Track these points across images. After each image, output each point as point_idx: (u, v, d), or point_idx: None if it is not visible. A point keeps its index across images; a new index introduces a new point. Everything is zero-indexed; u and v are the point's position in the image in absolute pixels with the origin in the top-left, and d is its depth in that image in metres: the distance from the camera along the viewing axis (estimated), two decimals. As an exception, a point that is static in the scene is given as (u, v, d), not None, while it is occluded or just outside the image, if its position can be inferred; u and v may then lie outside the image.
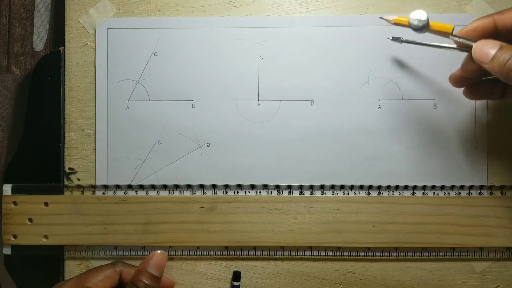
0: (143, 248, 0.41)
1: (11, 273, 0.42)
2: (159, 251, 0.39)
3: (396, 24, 0.37)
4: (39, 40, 0.44)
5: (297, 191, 0.41)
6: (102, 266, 0.38)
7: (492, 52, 0.33)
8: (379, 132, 0.41)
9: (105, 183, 0.41)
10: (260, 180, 0.41)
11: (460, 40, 0.35)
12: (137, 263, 0.40)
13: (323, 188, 0.41)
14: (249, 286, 0.41)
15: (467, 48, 0.35)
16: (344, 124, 0.41)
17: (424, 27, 0.36)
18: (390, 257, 0.40)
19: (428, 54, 0.41)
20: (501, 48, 0.33)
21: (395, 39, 0.39)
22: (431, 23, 0.35)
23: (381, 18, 0.38)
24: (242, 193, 0.41)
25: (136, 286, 0.36)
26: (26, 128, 0.42)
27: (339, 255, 0.40)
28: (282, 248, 0.41)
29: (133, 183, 0.41)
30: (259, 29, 0.41)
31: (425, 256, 0.40)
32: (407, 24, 0.36)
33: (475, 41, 0.34)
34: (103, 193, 0.41)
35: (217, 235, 0.40)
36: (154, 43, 0.41)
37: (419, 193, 0.40)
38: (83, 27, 0.42)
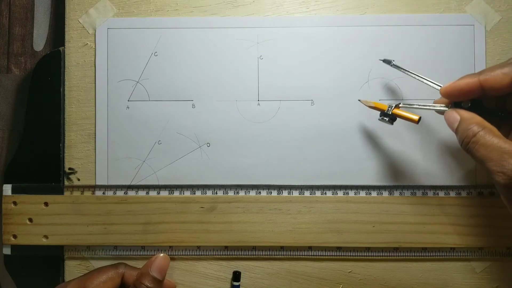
0: (143, 248, 0.41)
1: (11, 273, 0.42)
2: (161, 255, 0.39)
3: (374, 108, 0.39)
4: (39, 40, 0.44)
5: (297, 191, 0.41)
6: (104, 268, 0.38)
7: (455, 125, 0.34)
8: (379, 132, 0.41)
9: (105, 183, 0.41)
10: (260, 180, 0.41)
11: (433, 108, 0.37)
12: (137, 263, 0.40)
13: (323, 188, 0.41)
14: (249, 286, 0.41)
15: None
16: (344, 124, 0.41)
17: (392, 119, 0.38)
18: (390, 257, 0.40)
19: (428, 54, 0.41)
20: (460, 122, 0.33)
21: (386, 61, 0.40)
22: (398, 113, 0.37)
23: (359, 100, 0.40)
24: (242, 193, 0.41)
25: None
26: (26, 128, 0.42)
27: (339, 255, 0.40)
28: (282, 248, 0.41)
29: (133, 183, 0.41)
30: (259, 29, 0.41)
31: (425, 256, 0.40)
32: (383, 111, 0.38)
33: (446, 107, 0.36)
34: (103, 193, 0.41)
35: (217, 235, 0.40)
36: (154, 43, 0.41)
37: (419, 193, 0.40)
38: (83, 27, 0.42)
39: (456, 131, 0.34)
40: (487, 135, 0.31)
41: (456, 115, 0.34)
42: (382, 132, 0.41)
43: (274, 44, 0.41)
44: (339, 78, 0.41)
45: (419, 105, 0.38)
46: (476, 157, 0.32)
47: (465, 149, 0.33)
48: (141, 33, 0.41)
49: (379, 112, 0.38)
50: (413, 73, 0.38)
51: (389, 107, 0.38)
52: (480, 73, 0.34)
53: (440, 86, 0.36)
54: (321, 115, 0.41)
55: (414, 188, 0.40)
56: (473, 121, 0.33)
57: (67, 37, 0.41)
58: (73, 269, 0.41)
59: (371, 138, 0.41)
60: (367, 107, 0.39)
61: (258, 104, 0.41)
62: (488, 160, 0.31)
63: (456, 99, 0.35)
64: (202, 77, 0.41)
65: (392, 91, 0.41)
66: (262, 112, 0.41)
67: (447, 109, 0.36)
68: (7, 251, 0.41)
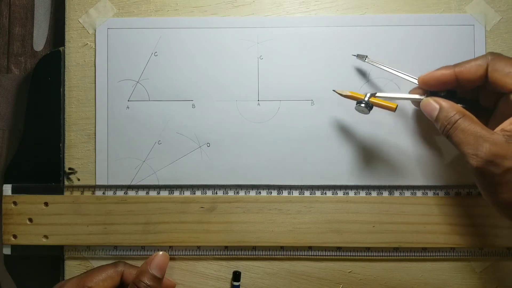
0: (143, 248, 0.41)
1: (11, 273, 0.42)
2: (161, 252, 0.39)
3: (348, 98, 0.39)
4: (39, 40, 0.44)
5: (297, 191, 0.41)
6: (103, 266, 0.38)
7: (435, 113, 0.35)
8: (379, 132, 0.41)
9: (105, 183, 0.41)
10: (260, 180, 0.41)
11: (409, 98, 0.38)
12: (137, 263, 0.40)
13: (323, 188, 0.41)
14: (249, 286, 0.41)
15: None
16: (344, 124, 0.41)
17: (369, 106, 0.38)
18: (390, 257, 0.40)
19: (428, 54, 0.41)
20: (440, 109, 0.35)
21: (359, 56, 0.40)
22: (375, 102, 0.37)
23: (334, 91, 0.40)
24: (242, 193, 0.41)
25: (138, 286, 0.36)
26: (26, 128, 0.42)
27: (339, 255, 0.40)
28: (282, 248, 0.41)
29: (133, 183, 0.41)
30: (259, 29, 0.41)
31: (425, 256, 0.40)
32: (359, 99, 0.38)
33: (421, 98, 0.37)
34: (103, 193, 0.41)
35: (217, 235, 0.40)
36: (154, 43, 0.41)
37: (419, 193, 0.40)
38: (83, 27, 0.42)
39: (436, 118, 0.35)
40: (466, 121, 0.34)
41: (435, 104, 0.36)
42: (382, 132, 0.41)
43: (274, 44, 0.41)
44: (339, 78, 0.41)
45: (396, 96, 0.39)
46: (454, 142, 0.34)
47: (445, 135, 0.35)
48: (141, 33, 0.41)
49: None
50: (387, 67, 0.39)
51: (365, 96, 0.38)
52: (456, 65, 0.36)
53: (415, 78, 0.38)
54: (321, 115, 0.41)
55: (414, 188, 0.40)
56: (454, 108, 0.35)
57: (67, 37, 0.41)
58: (73, 269, 0.41)
59: (371, 138, 0.41)
60: (343, 97, 0.39)
61: (258, 104, 0.41)
62: (465, 143, 0.33)
63: (432, 88, 0.37)
64: (202, 77, 0.41)
65: (392, 91, 0.41)
66: (262, 112, 0.41)
67: (423, 98, 0.37)
68: (7, 251, 0.41)
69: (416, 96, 0.38)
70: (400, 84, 0.41)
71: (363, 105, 0.37)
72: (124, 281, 0.38)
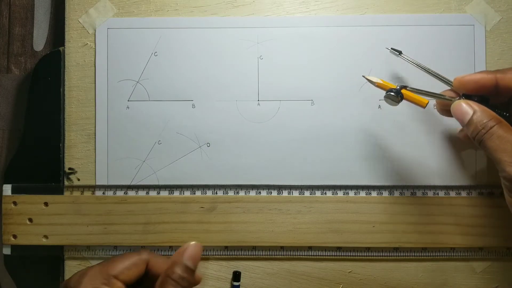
0: (143, 248, 0.41)
1: (11, 273, 0.42)
2: (193, 242, 0.36)
3: (378, 87, 0.37)
4: (39, 40, 0.44)
5: (297, 191, 0.41)
6: (126, 254, 0.36)
7: (467, 117, 0.34)
8: (379, 132, 0.41)
9: (105, 183, 0.41)
10: (260, 180, 0.41)
11: (441, 97, 0.37)
12: (137, 263, 0.40)
13: (323, 188, 0.41)
14: (249, 286, 0.41)
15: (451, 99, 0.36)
16: (344, 124, 0.41)
17: (400, 96, 0.36)
18: (390, 257, 0.40)
19: (428, 54, 0.41)
20: (474, 113, 0.34)
21: (394, 50, 0.39)
22: (407, 94, 0.36)
23: (364, 76, 0.38)
24: (242, 193, 0.41)
25: (171, 278, 0.34)
26: (26, 128, 0.42)
27: (339, 255, 0.40)
28: (282, 248, 0.41)
29: (133, 183, 0.41)
30: (259, 29, 0.41)
31: (425, 256, 0.40)
32: (387, 89, 0.37)
33: (452, 100, 0.36)
34: (103, 193, 0.41)
35: (217, 235, 0.40)
36: (154, 43, 0.41)
37: (419, 193, 0.40)
38: (83, 27, 0.42)
39: (469, 122, 0.34)
40: (502, 128, 0.33)
41: (468, 108, 0.34)
42: (382, 132, 0.41)
43: (274, 44, 0.41)
44: (339, 78, 0.41)
45: (427, 91, 0.37)
46: (489, 147, 0.33)
47: (477, 140, 0.34)
48: (141, 33, 0.41)
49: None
50: (422, 66, 0.38)
51: (397, 86, 0.36)
52: (498, 70, 0.35)
53: (448, 80, 0.37)
54: (321, 115, 0.41)
55: (414, 188, 0.40)
56: (489, 114, 0.33)
57: (67, 37, 0.41)
58: (73, 269, 0.41)
59: (371, 138, 0.41)
60: (374, 86, 0.38)
61: (258, 104, 0.41)
62: (501, 150, 0.32)
63: (468, 91, 0.36)
64: (202, 77, 0.41)
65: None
66: (262, 112, 0.41)
67: (455, 99, 0.36)
68: (7, 251, 0.41)
69: (447, 97, 0.36)
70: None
71: (393, 93, 0.36)
72: (149, 271, 0.36)
